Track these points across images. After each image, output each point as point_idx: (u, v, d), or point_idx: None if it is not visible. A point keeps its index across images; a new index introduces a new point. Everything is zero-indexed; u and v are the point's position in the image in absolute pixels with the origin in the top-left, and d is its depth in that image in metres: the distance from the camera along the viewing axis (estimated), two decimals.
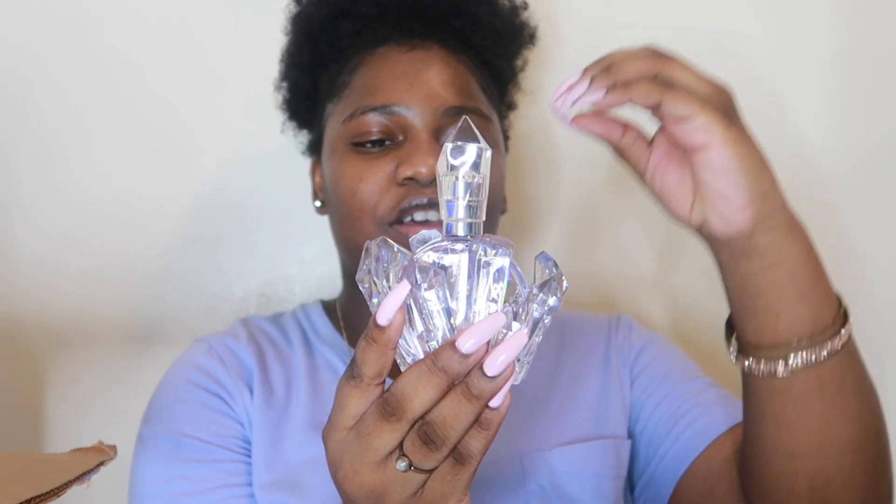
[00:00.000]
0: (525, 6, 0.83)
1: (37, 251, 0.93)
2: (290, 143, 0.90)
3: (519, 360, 0.43)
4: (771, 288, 0.54)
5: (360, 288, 0.44)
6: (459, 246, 0.43)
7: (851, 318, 0.55)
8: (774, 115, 1.00)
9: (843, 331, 0.54)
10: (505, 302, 0.43)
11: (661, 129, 0.55)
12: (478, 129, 0.71)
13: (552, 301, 0.43)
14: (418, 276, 0.41)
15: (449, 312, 0.42)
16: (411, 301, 0.42)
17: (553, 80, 0.97)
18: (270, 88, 0.88)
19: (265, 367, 0.73)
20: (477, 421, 0.42)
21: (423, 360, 0.41)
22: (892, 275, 1.01)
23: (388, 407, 0.41)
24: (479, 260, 0.42)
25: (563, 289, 0.44)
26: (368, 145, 0.71)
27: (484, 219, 0.44)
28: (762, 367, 0.55)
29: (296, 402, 0.72)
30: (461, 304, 0.42)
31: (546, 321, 0.44)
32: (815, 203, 1.02)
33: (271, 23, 0.85)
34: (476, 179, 0.44)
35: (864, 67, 1.01)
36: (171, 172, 0.96)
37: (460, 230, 0.43)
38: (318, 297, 0.97)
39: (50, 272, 0.93)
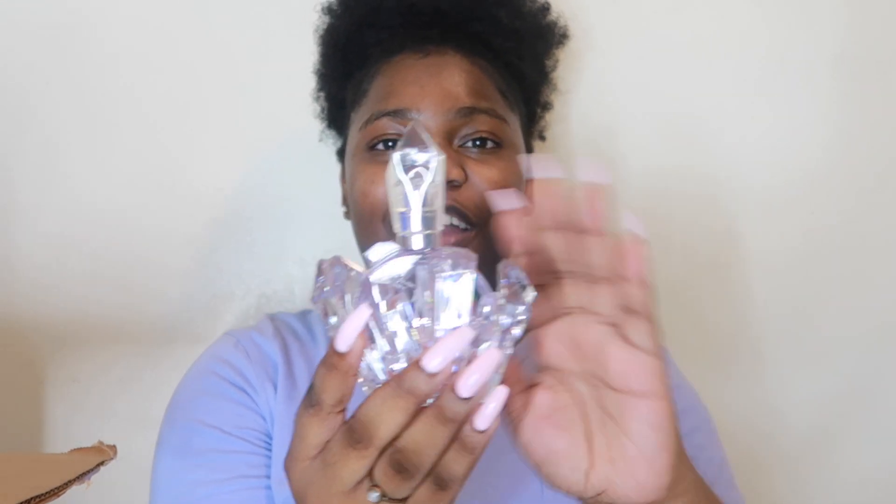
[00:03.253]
0: (548, 6, 0.84)
1: (36, 252, 0.93)
2: (290, 144, 0.90)
3: None
4: None
5: (316, 308, 0.41)
6: (418, 260, 0.40)
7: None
8: (775, 116, 1.00)
9: None
10: (470, 316, 0.40)
11: (538, 385, 0.47)
12: (491, 129, 0.72)
13: (520, 311, 0.40)
14: (377, 296, 0.39)
15: (411, 330, 0.39)
16: (372, 321, 0.39)
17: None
18: (270, 89, 0.88)
19: (289, 361, 0.74)
20: (460, 443, 0.39)
21: (387, 382, 0.38)
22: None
23: (353, 434, 0.39)
24: (440, 274, 0.39)
25: (531, 298, 0.40)
26: (381, 146, 0.72)
27: (441, 229, 0.42)
28: None
29: None
30: (424, 321, 0.39)
31: (514, 332, 0.41)
32: (814, 203, 1.02)
33: (268, 26, 0.86)
34: (430, 189, 0.41)
35: (866, 69, 1.01)
36: (171, 173, 0.95)
37: (418, 243, 0.41)
38: None
39: (49, 273, 0.93)
